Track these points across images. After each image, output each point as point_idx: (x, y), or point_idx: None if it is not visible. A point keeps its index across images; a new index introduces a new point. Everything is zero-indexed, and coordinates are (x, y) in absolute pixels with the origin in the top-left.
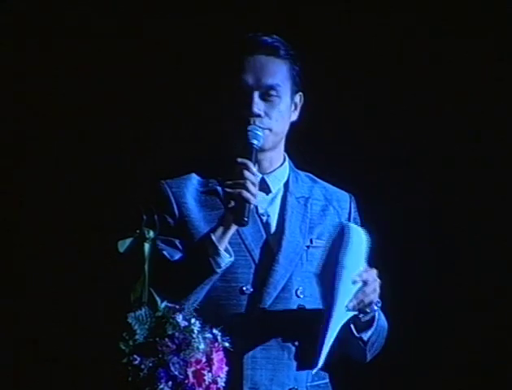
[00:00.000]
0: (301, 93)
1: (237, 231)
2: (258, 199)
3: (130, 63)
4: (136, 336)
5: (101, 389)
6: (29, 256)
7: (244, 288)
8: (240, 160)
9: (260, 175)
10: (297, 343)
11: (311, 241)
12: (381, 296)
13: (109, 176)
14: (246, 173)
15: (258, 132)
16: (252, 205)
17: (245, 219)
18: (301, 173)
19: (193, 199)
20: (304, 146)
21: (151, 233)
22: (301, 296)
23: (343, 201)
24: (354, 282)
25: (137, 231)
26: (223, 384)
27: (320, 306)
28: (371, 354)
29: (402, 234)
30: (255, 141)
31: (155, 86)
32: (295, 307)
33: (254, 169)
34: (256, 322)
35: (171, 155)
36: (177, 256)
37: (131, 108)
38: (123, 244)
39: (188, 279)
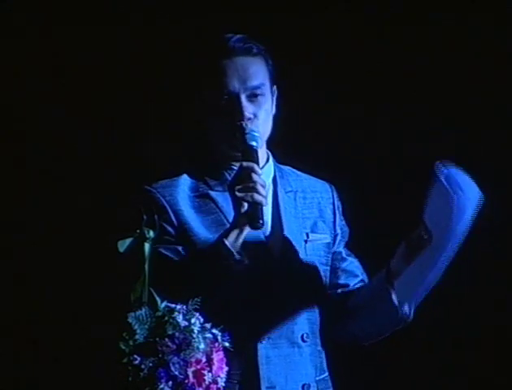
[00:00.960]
0: (275, 86)
1: None
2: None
3: (125, 66)
4: (137, 336)
5: (101, 389)
6: (29, 256)
7: None
8: (245, 164)
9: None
10: (305, 338)
11: (307, 235)
12: None
13: (109, 176)
14: (254, 176)
15: (255, 134)
16: (264, 207)
17: (261, 222)
18: (284, 167)
19: (188, 205)
20: (283, 140)
21: (151, 233)
22: None
23: (325, 192)
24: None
25: (137, 231)
26: (223, 384)
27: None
28: None
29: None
30: (254, 143)
31: (151, 89)
32: None
33: (260, 171)
34: (263, 320)
35: (158, 157)
36: (184, 262)
37: (129, 108)
38: (123, 244)
39: (201, 284)
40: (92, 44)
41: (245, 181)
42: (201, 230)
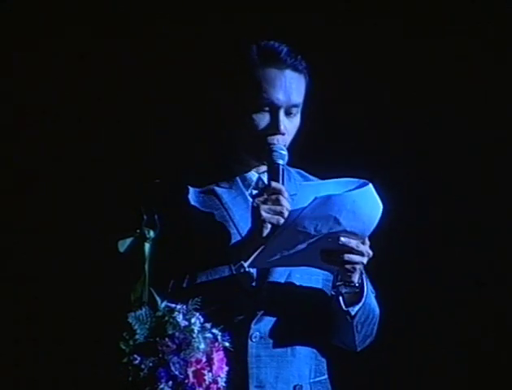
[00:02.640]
0: None
1: (239, 233)
2: None
3: (141, 68)
4: (137, 336)
5: (101, 389)
6: (29, 256)
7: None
8: (274, 185)
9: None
10: (299, 339)
11: None
12: (376, 285)
13: (109, 176)
14: (283, 201)
15: (283, 152)
16: None
17: None
18: (292, 170)
19: (193, 200)
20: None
21: (151, 233)
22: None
23: None
24: (338, 239)
25: (137, 231)
26: (224, 384)
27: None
28: (361, 340)
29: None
30: (281, 161)
31: (157, 86)
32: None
33: (286, 194)
34: (259, 319)
35: (168, 154)
36: (184, 259)
37: (131, 108)
38: (123, 244)
39: (204, 283)
40: (102, 44)
41: (273, 203)
42: (203, 225)
